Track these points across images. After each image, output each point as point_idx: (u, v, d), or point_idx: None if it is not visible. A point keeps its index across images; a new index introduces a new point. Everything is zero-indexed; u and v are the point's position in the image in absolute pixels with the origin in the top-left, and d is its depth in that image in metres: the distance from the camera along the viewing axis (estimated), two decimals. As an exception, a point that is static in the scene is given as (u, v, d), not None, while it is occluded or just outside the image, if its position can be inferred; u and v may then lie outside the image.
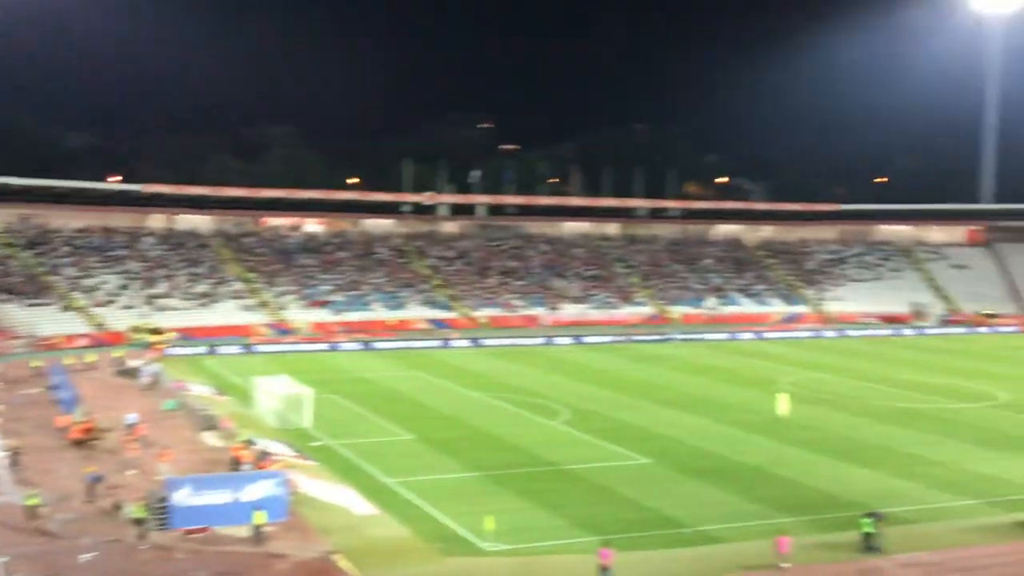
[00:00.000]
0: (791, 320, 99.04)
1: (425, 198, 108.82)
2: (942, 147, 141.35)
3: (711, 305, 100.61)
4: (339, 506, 33.98)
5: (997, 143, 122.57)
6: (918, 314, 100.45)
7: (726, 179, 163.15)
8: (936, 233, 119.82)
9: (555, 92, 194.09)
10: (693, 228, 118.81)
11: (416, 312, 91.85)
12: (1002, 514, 34.42)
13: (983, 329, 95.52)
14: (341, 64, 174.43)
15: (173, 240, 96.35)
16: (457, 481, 38.04)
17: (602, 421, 49.47)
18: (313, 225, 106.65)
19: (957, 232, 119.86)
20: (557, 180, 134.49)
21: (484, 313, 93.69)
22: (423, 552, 29.85)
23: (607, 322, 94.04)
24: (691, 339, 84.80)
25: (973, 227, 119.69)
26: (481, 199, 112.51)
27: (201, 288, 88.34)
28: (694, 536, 31.68)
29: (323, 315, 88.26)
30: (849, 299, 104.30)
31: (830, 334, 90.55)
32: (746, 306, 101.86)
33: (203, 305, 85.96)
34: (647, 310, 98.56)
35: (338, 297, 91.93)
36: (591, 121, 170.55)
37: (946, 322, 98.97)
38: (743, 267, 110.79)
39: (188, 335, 77.88)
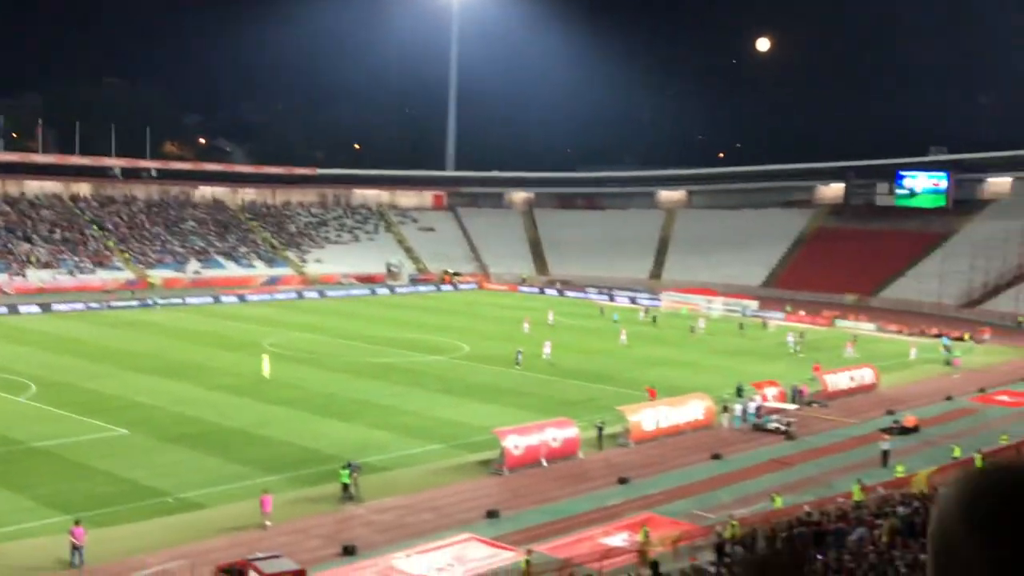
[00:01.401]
0: (274, 282, 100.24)
1: None
2: (412, 117, 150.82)
3: (194, 269, 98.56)
4: None
5: (457, 116, 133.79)
6: (391, 274, 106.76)
7: (206, 140, 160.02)
8: (407, 198, 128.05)
9: (14, 38, 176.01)
10: (174, 190, 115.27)
11: None
12: (465, 454, 38.15)
13: (448, 287, 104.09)
14: None
15: None
16: (-98, 472, 33.79)
17: (75, 393, 46.63)
18: None
19: (425, 197, 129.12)
20: (17, 135, 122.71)
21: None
22: None
23: (80, 288, 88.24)
24: (173, 304, 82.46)
25: (438, 192, 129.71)
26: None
27: None
28: (177, 504, 31.24)
29: None
30: (329, 260, 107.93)
31: (312, 295, 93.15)
32: (230, 269, 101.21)
33: None
34: (125, 275, 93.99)
35: None
36: (58, 73, 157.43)
37: (416, 281, 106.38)
38: (226, 230, 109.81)
39: None
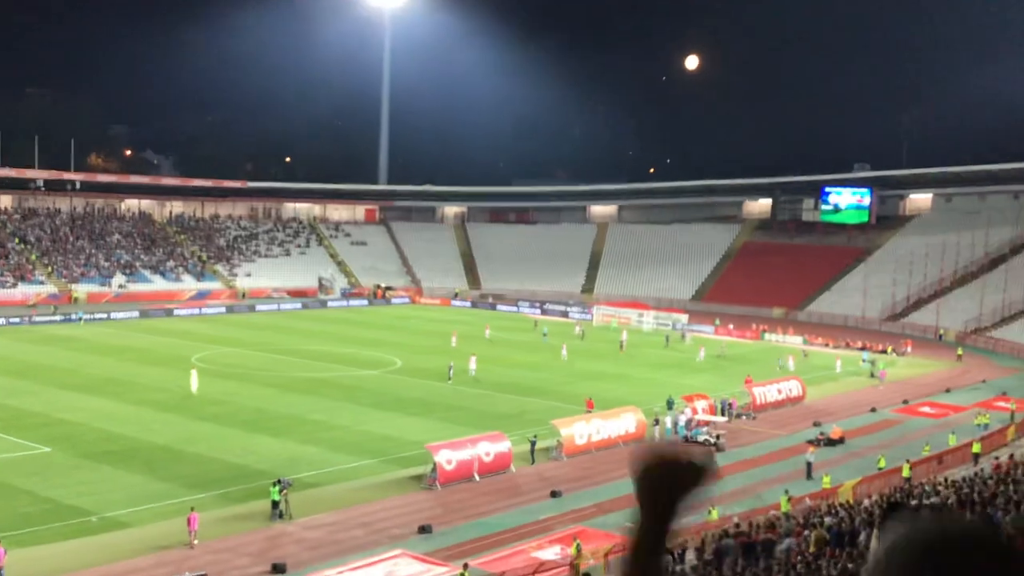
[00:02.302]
0: (203, 296, 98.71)
1: None
2: (343, 130, 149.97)
3: (119, 283, 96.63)
4: None
5: (389, 129, 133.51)
6: (323, 288, 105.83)
7: (132, 152, 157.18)
8: (338, 211, 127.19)
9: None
10: (99, 202, 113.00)
11: None
12: (396, 469, 37.90)
13: (380, 301, 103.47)
14: None
15: None
16: None
17: (-5, 411, 45.38)
18: None
19: (357, 211, 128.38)
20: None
21: None
22: None
23: (0, 303, 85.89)
24: (98, 319, 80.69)
25: (370, 206, 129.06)
26: None
27: None
28: (101, 523, 30.52)
29: None
30: (260, 274, 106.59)
31: (242, 309, 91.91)
32: (157, 283, 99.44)
33: None
34: (48, 289, 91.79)
35: None
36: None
37: (348, 295, 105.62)
38: (153, 243, 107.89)
39: None
